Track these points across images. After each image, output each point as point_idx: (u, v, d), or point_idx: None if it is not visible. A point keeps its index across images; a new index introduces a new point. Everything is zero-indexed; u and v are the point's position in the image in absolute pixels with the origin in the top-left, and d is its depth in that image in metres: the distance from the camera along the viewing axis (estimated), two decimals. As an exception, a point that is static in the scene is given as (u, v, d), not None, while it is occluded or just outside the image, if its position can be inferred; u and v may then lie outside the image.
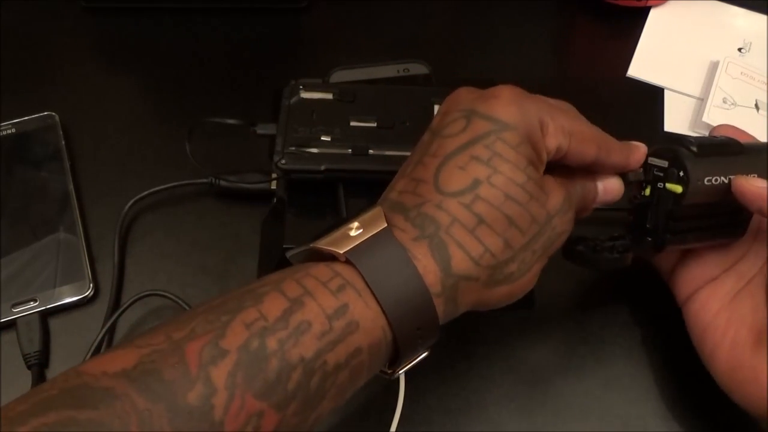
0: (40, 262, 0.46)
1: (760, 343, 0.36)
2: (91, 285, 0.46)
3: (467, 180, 0.31)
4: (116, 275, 0.46)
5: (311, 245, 0.30)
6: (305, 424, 0.28)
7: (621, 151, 0.36)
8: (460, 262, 0.31)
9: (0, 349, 0.44)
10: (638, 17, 0.59)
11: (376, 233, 0.30)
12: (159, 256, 0.48)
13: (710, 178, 0.36)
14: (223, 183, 0.48)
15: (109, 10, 0.59)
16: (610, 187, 0.37)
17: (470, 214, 0.31)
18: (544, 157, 0.33)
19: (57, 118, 0.52)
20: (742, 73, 0.55)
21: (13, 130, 0.51)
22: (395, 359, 0.31)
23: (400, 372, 0.32)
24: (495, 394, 0.43)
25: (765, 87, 0.54)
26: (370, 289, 0.29)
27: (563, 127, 0.33)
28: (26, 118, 0.52)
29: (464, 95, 0.34)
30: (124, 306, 0.44)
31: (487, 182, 0.31)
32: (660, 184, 0.38)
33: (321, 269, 0.30)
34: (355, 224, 0.30)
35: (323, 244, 0.30)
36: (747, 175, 0.37)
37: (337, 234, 0.30)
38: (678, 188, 0.36)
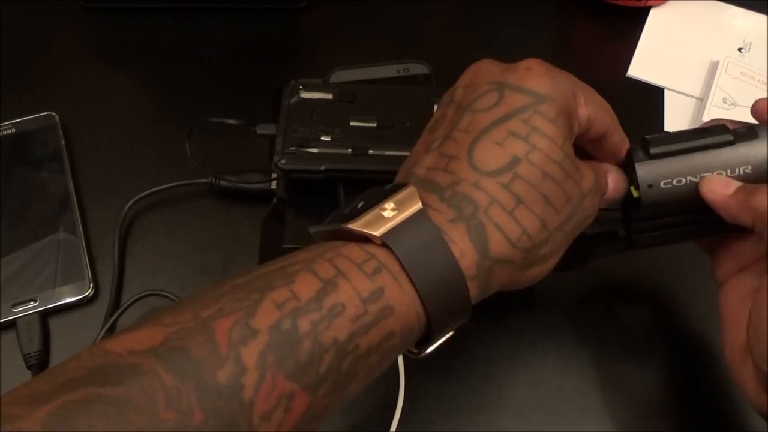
0: (40, 262, 0.46)
1: (747, 353, 0.35)
2: (91, 285, 0.46)
3: (505, 157, 0.30)
4: (116, 275, 0.46)
5: (345, 226, 0.29)
6: (334, 405, 0.28)
7: (620, 130, 0.36)
8: (497, 245, 0.30)
9: (0, 349, 0.44)
10: (638, 17, 0.59)
11: (411, 215, 0.29)
12: (159, 256, 0.48)
13: (669, 180, 0.34)
14: (223, 183, 0.48)
15: (109, 10, 0.59)
16: (617, 184, 0.36)
17: (509, 194, 0.30)
18: (575, 129, 0.33)
19: (57, 118, 0.52)
20: (742, 73, 0.55)
21: (13, 130, 0.51)
22: (424, 340, 0.31)
23: (427, 351, 0.31)
24: (495, 394, 0.43)
25: (765, 87, 0.54)
26: (406, 273, 0.28)
27: (590, 97, 0.33)
28: (26, 118, 0.52)
29: (488, 67, 0.33)
30: (124, 306, 0.44)
31: (525, 160, 0.30)
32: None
33: (354, 250, 0.29)
34: (390, 205, 0.29)
35: (358, 225, 0.29)
36: (729, 170, 0.34)
37: (370, 215, 0.29)
38: (636, 192, 0.35)
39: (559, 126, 0.31)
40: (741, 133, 0.35)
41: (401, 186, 0.30)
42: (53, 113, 0.52)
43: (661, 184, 0.34)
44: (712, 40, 0.58)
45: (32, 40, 0.57)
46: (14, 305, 0.45)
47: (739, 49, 0.57)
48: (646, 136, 0.35)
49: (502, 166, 0.30)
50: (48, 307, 0.45)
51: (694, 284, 0.46)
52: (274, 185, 0.47)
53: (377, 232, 0.28)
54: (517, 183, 0.30)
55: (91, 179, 0.50)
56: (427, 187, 0.30)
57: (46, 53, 0.57)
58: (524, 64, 0.32)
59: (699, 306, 0.46)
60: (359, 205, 0.30)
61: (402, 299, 0.28)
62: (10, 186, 0.49)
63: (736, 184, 0.34)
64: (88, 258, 0.47)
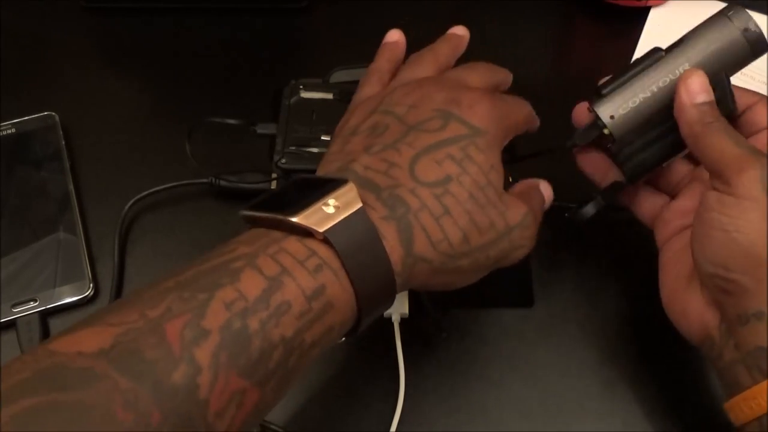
0: (40, 262, 0.46)
1: (693, 278, 0.37)
2: (91, 285, 0.46)
3: (441, 174, 0.34)
4: (116, 275, 0.46)
5: (288, 219, 0.30)
6: (279, 397, 0.29)
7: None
8: (420, 245, 0.32)
9: (0, 349, 0.44)
10: (638, 17, 0.59)
11: (352, 213, 0.31)
12: (159, 256, 0.48)
13: (625, 105, 0.39)
14: (223, 183, 0.48)
15: (109, 10, 0.59)
16: (548, 193, 0.40)
17: (438, 204, 0.33)
18: (506, 142, 0.37)
19: (57, 118, 0.52)
20: (742, 72, 0.55)
21: (13, 130, 0.51)
22: (351, 330, 0.32)
23: (343, 339, 0.33)
24: (495, 394, 0.43)
25: (765, 87, 0.54)
26: (345, 270, 0.30)
27: (524, 119, 0.39)
28: (26, 118, 0.52)
29: (435, 94, 0.36)
30: (124, 306, 0.44)
31: (457, 180, 0.34)
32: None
33: (296, 245, 0.30)
34: (332, 201, 0.31)
35: (301, 220, 0.30)
36: (671, 74, 0.38)
37: (313, 209, 0.30)
38: (606, 129, 0.39)
39: (488, 156, 0.35)
40: (670, 46, 0.39)
41: (341, 182, 0.32)
42: (53, 113, 0.52)
43: (620, 111, 0.39)
44: (712, 40, 0.58)
45: (32, 40, 0.57)
46: (14, 305, 0.45)
47: (739, 49, 0.57)
48: (598, 84, 0.40)
49: (438, 181, 0.33)
50: (48, 307, 0.45)
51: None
52: (274, 185, 0.47)
53: (321, 229, 0.30)
54: (447, 197, 0.33)
55: (91, 179, 0.50)
56: (366, 185, 0.33)
57: (46, 53, 0.57)
58: (468, 99, 0.36)
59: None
60: (295, 197, 0.31)
61: (341, 295, 0.30)
62: (10, 186, 0.49)
63: (706, 96, 0.37)
64: (88, 258, 0.47)
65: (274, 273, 0.29)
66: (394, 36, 0.43)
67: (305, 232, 0.30)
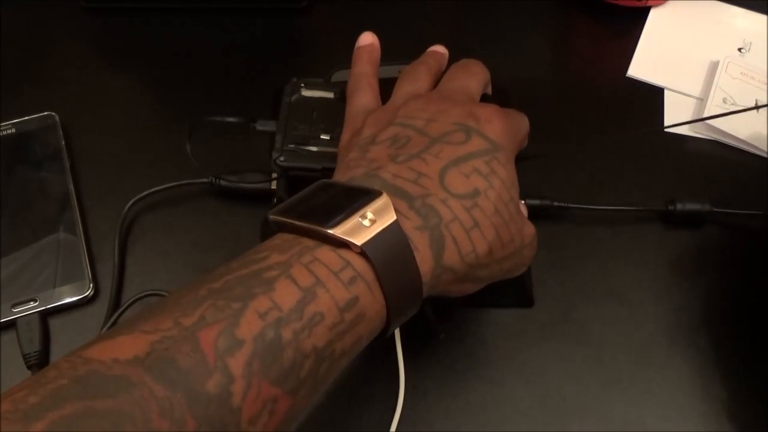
0: (40, 262, 0.46)
1: None
2: (91, 285, 0.46)
3: (470, 187, 0.34)
4: (116, 275, 0.46)
5: (327, 231, 0.30)
6: (310, 403, 0.30)
7: None
8: (450, 256, 0.33)
9: (0, 349, 0.44)
10: (638, 17, 0.59)
11: (387, 225, 0.31)
12: (159, 256, 0.48)
13: None
14: (223, 183, 0.48)
15: (109, 10, 0.59)
16: None
17: (469, 216, 0.34)
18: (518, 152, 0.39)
19: (57, 118, 0.52)
20: (742, 73, 0.55)
21: (13, 130, 0.51)
22: (378, 337, 0.33)
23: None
24: (495, 394, 0.43)
25: (765, 87, 0.54)
26: (379, 282, 0.30)
27: (526, 133, 0.40)
28: (26, 118, 0.52)
29: (451, 109, 0.37)
30: (124, 306, 0.44)
31: (484, 194, 0.34)
32: None
33: (330, 255, 0.30)
34: (369, 214, 0.31)
35: (340, 233, 0.30)
36: None
37: (351, 223, 0.30)
38: None
39: (509, 171, 0.36)
40: None
41: (375, 194, 0.32)
42: (53, 113, 0.52)
43: None
44: (712, 40, 0.58)
45: (32, 40, 0.57)
46: (14, 305, 0.45)
47: (739, 49, 0.57)
48: None
49: (467, 193, 0.34)
50: (48, 307, 0.45)
51: (694, 285, 0.46)
52: (274, 185, 0.47)
53: (359, 242, 0.30)
54: (476, 210, 0.34)
55: (91, 179, 0.50)
56: (396, 193, 0.33)
57: (46, 53, 0.57)
58: (484, 114, 0.36)
59: (700, 305, 0.46)
60: (328, 205, 0.32)
61: (373, 306, 0.30)
62: (10, 186, 0.49)
63: None
64: (88, 258, 0.47)
65: (308, 284, 0.29)
66: (368, 38, 0.44)
67: (339, 242, 0.30)
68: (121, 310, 0.44)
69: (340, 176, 0.36)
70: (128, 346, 0.26)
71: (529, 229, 0.37)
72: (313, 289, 0.29)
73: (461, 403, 0.43)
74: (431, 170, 0.34)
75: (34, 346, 0.43)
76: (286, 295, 0.28)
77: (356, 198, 0.32)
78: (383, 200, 0.31)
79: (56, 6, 0.59)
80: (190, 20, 0.58)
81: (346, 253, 0.30)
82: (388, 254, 0.31)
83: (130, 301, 0.45)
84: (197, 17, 0.58)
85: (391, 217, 0.31)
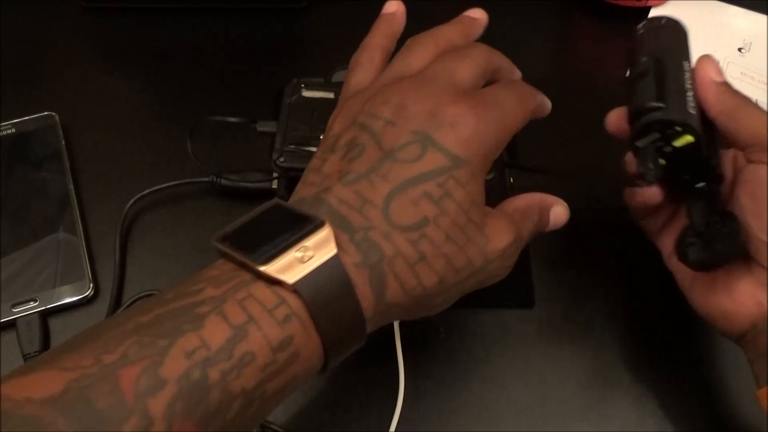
0: (40, 262, 0.46)
1: (728, 273, 0.37)
2: (91, 285, 0.46)
3: (417, 217, 0.32)
4: (116, 275, 0.46)
5: (259, 269, 0.29)
6: None
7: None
8: (393, 293, 0.31)
9: (0, 349, 0.44)
10: (638, 17, 0.59)
11: (325, 261, 0.29)
12: (159, 256, 0.48)
13: (683, 101, 0.36)
14: (224, 182, 0.48)
15: (109, 10, 0.59)
16: (559, 217, 0.38)
17: (414, 250, 0.31)
18: (490, 166, 0.35)
19: (57, 118, 0.52)
20: (742, 73, 0.55)
21: (13, 130, 0.51)
22: (319, 371, 0.32)
23: None
24: (495, 394, 0.43)
25: (765, 87, 0.54)
26: (313, 320, 0.29)
27: (523, 115, 0.36)
28: (26, 118, 0.52)
29: (414, 105, 0.33)
30: (124, 306, 0.44)
31: (434, 222, 0.32)
32: (668, 149, 0.36)
33: (265, 293, 0.29)
34: (307, 245, 0.29)
35: (273, 271, 0.29)
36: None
37: (287, 259, 0.29)
38: (689, 138, 0.35)
39: (469, 191, 0.32)
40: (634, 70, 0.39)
41: (317, 225, 0.30)
42: (53, 113, 0.52)
43: (688, 108, 0.36)
44: (712, 40, 0.58)
45: (32, 40, 0.57)
46: (14, 305, 0.45)
47: (739, 49, 0.57)
48: (639, 108, 0.37)
49: (413, 224, 0.31)
50: (48, 307, 0.45)
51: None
52: (275, 184, 0.47)
53: (291, 280, 0.29)
54: (423, 242, 0.31)
55: (91, 179, 0.50)
56: (340, 224, 0.31)
57: (46, 53, 0.57)
58: (451, 115, 0.33)
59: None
60: (269, 235, 0.30)
61: (308, 345, 0.29)
62: (10, 186, 0.49)
63: (722, 76, 0.38)
64: (88, 258, 0.47)
65: (240, 322, 0.28)
66: (392, 6, 0.40)
67: (274, 279, 0.29)
68: (121, 310, 0.44)
69: (298, 188, 0.34)
70: (44, 384, 0.25)
71: (498, 241, 0.34)
72: (245, 327, 0.28)
73: (461, 403, 0.43)
74: (377, 196, 0.32)
75: (34, 346, 0.44)
76: (215, 333, 0.27)
77: (299, 227, 0.30)
78: (325, 233, 0.30)
79: (56, 6, 0.59)
80: (191, 20, 0.58)
81: (281, 290, 0.29)
82: (324, 292, 0.29)
83: (130, 301, 0.45)
84: (197, 17, 0.58)
85: (330, 251, 0.29)
